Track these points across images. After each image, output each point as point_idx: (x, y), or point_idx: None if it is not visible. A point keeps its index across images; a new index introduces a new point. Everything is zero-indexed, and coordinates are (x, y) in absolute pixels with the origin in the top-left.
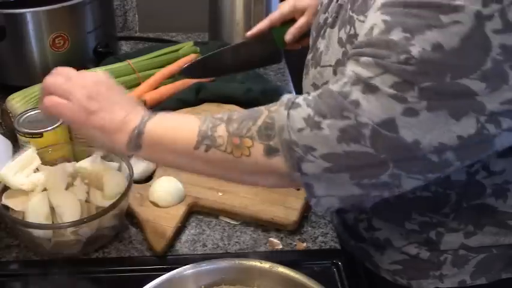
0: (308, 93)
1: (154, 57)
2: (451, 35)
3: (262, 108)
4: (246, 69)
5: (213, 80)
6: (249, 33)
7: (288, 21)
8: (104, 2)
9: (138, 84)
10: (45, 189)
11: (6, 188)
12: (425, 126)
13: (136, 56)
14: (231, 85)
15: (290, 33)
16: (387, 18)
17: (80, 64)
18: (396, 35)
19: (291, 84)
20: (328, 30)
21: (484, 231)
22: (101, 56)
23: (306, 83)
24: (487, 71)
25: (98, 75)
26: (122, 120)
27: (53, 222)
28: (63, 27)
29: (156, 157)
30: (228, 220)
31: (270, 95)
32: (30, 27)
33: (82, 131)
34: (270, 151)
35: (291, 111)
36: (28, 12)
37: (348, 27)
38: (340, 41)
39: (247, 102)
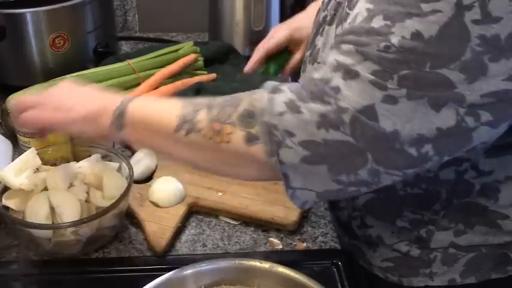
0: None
1: (154, 57)
2: (430, 24)
3: (244, 94)
4: None
5: (213, 80)
6: (247, 67)
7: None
8: (104, 2)
9: (138, 84)
10: (45, 189)
11: (6, 188)
12: (404, 115)
13: (136, 56)
14: (231, 85)
15: (287, 72)
16: (370, 6)
17: (80, 64)
18: (377, 23)
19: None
20: (326, 27)
21: (474, 230)
22: (101, 56)
23: (303, 78)
24: (466, 61)
25: (61, 82)
26: (101, 105)
27: (53, 222)
28: (63, 27)
29: (139, 138)
30: (228, 220)
31: None
32: (30, 27)
33: (66, 130)
34: (250, 138)
35: (274, 95)
36: (28, 12)
37: (345, 23)
38: (337, 37)
39: None
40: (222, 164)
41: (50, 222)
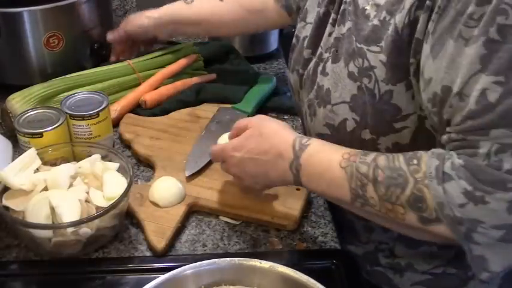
0: (447, 157)
1: (154, 57)
2: None
3: (406, 173)
4: None
5: (214, 80)
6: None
7: None
8: (101, 2)
9: (138, 84)
10: (45, 189)
11: (6, 188)
12: None
13: (136, 56)
14: (231, 86)
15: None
16: (501, 78)
17: (77, 64)
18: None
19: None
20: (329, 65)
21: None
22: (98, 56)
23: (316, 123)
24: None
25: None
26: (281, 178)
27: (53, 222)
28: (58, 26)
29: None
30: (228, 220)
31: (271, 96)
32: (27, 26)
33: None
34: (425, 221)
35: (446, 186)
36: (25, 11)
37: (360, 59)
38: (351, 75)
39: None
40: (402, 230)
41: (50, 222)
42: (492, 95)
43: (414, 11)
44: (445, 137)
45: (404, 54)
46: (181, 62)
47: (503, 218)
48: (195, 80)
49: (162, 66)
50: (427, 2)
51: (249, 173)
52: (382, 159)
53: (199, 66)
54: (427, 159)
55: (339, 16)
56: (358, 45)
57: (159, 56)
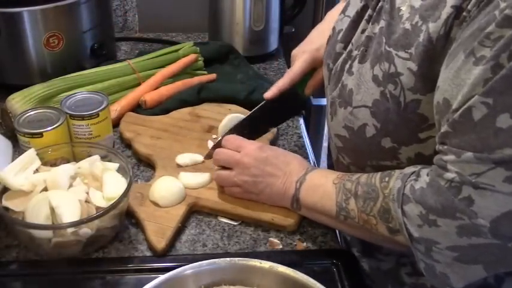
0: (415, 176)
1: (154, 57)
2: None
3: (378, 189)
4: (276, 124)
5: (214, 80)
6: (268, 94)
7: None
8: (101, 2)
9: (138, 84)
10: (45, 190)
11: (6, 188)
12: None
13: (136, 56)
14: (232, 85)
15: (309, 88)
16: (488, 101)
17: (77, 64)
18: (504, 123)
19: None
20: (355, 65)
21: None
22: (97, 56)
23: (335, 124)
24: None
25: (252, 151)
26: (281, 191)
27: (53, 223)
28: (57, 26)
29: (313, 217)
30: (228, 220)
31: None
32: (26, 26)
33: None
34: (392, 231)
35: (404, 208)
36: (25, 11)
37: (386, 64)
38: (375, 79)
39: (248, 103)
40: (378, 241)
41: (50, 223)
42: (476, 114)
43: (451, 22)
44: (436, 147)
45: (436, 65)
46: (181, 62)
47: (454, 240)
48: (195, 80)
49: (162, 66)
50: (464, 13)
51: (253, 174)
52: (363, 178)
53: (199, 66)
54: (394, 180)
55: (375, 13)
56: (387, 48)
57: (159, 56)
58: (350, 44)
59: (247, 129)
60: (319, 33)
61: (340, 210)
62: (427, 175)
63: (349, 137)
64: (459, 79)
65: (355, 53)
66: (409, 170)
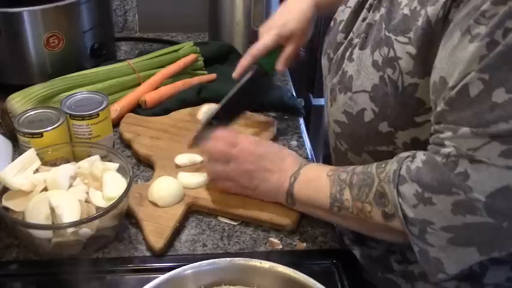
0: (410, 157)
1: (154, 57)
2: None
3: (374, 175)
4: (252, 105)
5: (214, 80)
6: (235, 74)
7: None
8: (101, 2)
9: (138, 84)
10: (45, 190)
11: (6, 188)
12: None
13: (136, 56)
14: (232, 85)
15: (281, 64)
16: (485, 76)
17: (77, 64)
18: (500, 97)
19: (290, 83)
20: (356, 52)
21: None
22: (98, 56)
23: (335, 109)
24: None
25: (248, 146)
26: (276, 186)
27: (53, 223)
28: (57, 26)
29: (307, 210)
30: (227, 220)
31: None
32: (26, 26)
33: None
34: (387, 216)
35: (400, 188)
36: (25, 11)
37: (386, 49)
38: (375, 64)
39: None
40: (370, 231)
41: (50, 223)
42: (473, 90)
43: (449, 5)
44: (432, 127)
45: (435, 47)
46: (181, 62)
47: (449, 218)
48: (195, 80)
49: (162, 66)
50: None
51: (248, 169)
52: (359, 167)
53: (199, 66)
54: (390, 164)
55: (375, 1)
56: (387, 34)
57: (159, 56)
58: (351, 33)
59: (227, 114)
60: (285, 9)
61: (333, 202)
62: (424, 155)
63: (347, 123)
64: (455, 57)
65: (356, 40)
66: (405, 154)
